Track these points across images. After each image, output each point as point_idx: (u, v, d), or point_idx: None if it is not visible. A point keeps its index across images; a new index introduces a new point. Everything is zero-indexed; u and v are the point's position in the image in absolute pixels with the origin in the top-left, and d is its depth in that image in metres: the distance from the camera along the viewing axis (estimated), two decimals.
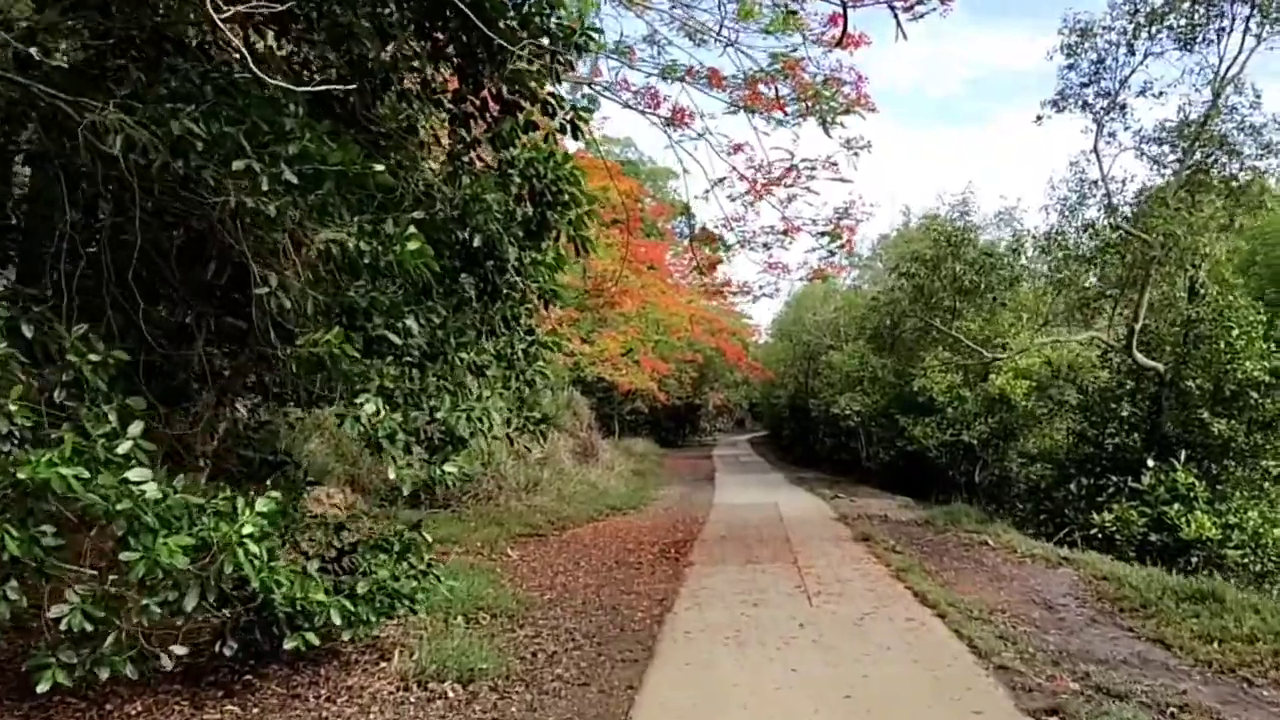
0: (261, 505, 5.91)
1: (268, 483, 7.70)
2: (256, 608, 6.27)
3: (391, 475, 6.88)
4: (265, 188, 5.67)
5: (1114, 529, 13.01)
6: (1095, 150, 14.59)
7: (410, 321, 7.09)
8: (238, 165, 5.54)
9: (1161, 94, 14.21)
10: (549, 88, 7.88)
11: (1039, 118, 15.11)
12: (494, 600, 9.79)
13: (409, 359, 7.65)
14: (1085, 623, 8.88)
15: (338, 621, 6.46)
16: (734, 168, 12.82)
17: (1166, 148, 14.19)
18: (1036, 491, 15.66)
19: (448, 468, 7.13)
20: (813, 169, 11.67)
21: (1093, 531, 13.19)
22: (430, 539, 8.26)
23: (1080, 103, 14.59)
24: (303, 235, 6.23)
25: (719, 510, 19.31)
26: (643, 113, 13.11)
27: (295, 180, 5.88)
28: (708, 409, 56.16)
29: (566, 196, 8.12)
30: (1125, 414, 14.60)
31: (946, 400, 21.78)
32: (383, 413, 6.73)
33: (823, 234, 13.29)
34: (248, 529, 5.74)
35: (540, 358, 8.26)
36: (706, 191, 12.84)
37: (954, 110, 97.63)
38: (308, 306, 6.33)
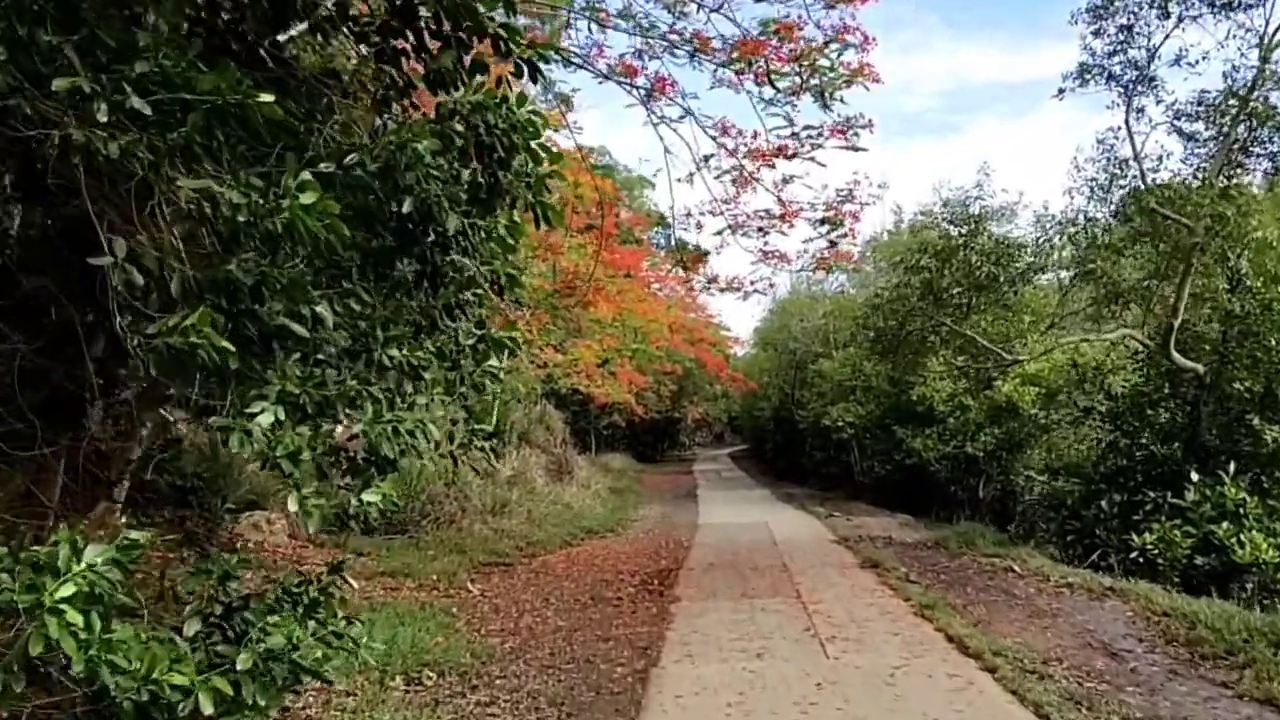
0: (94, 554, 4.16)
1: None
2: (93, 695, 4.55)
3: (292, 507, 5.12)
4: (103, 118, 3.94)
5: (1155, 551, 11.47)
6: (1126, 124, 13.16)
7: (323, 309, 5.41)
8: (60, 84, 3.81)
9: (1197, 62, 12.77)
10: (500, 14, 6.26)
11: (1060, 91, 13.71)
12: (444, 653, 8.08)
13: (322, 357, 5.89)
14: (1164, 675, 7.27)
15: (209, 710, 4.73)
16: (722, 146, 11.25)
17: (1201, 124, 12.79)
18: (1060, 509, 14.14)
19: (368, 496, 5.39)
20: (817, 137, 10.07)
21: (1132, 555, 11.64)
22: (354, 585, 6.51)
23: (1105, 75, 13.16)
24: (163, 186, 4.54)
25: (705, 532, 17.64)
26: (619, 83, 11.50)
27: (148, 111, 4.15)
28: (687, 423, 54.51)
29: (523, 154, 6.47)
30: (1162, 420, 13.08)
31: (948, 410, 20.28)
32: (285, 425, 5.02)
33: (822, 221, 11.72)
34: (66, 590, 3.98)
35: (491, 357, 6.57)
36: (691, 174, 11.17)
37: (928, 123, 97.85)
38: (172, 284, 4.63)
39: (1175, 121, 13.07)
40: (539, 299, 16.79)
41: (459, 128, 6.07)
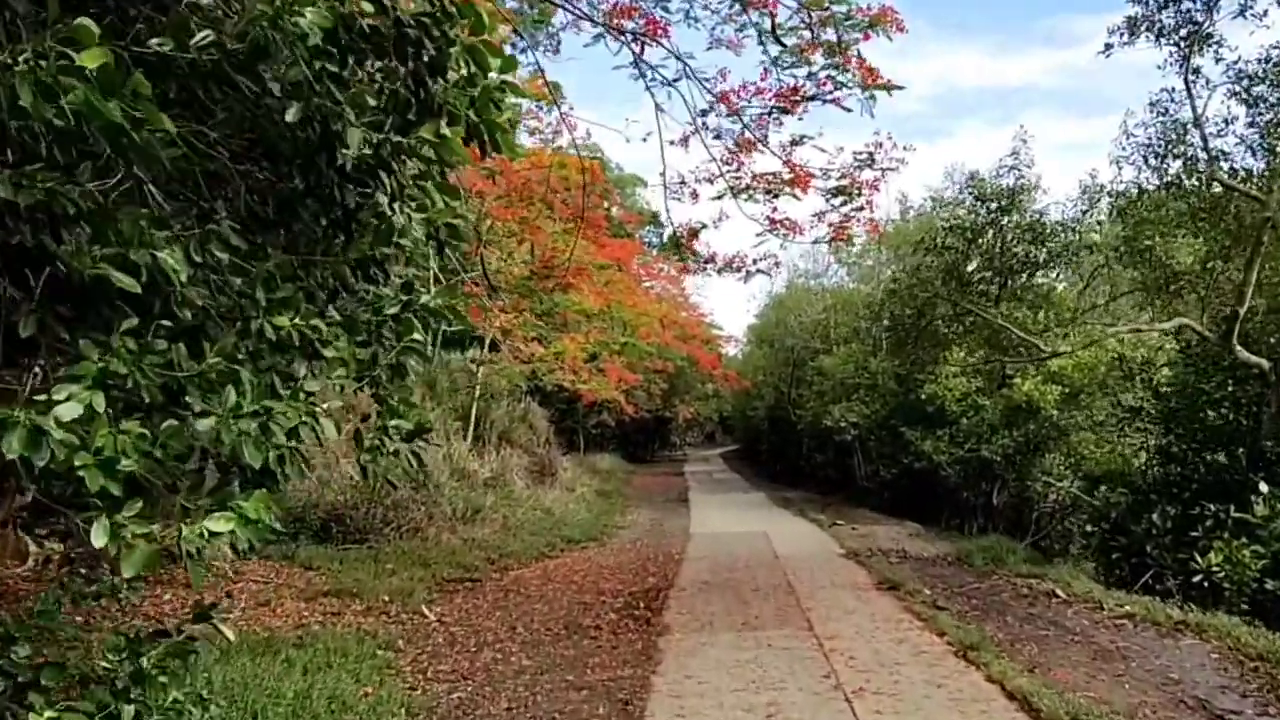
0: None
1: None
2: None
3: (98, 541, 3.48)
4: None
5: (1221, 574, 9.88)
6: (1186, 83, 11.49)
7: (170, 257, 3.81)
8: None
9: (1266, 13, 11.12)
10: None
11: (1108, 46, 12.06)
12: (370, 710, 6.41)
13: (170, 324, 4.20)
14: None
15: None
16: (722, 100, 9.60)
17: (1267, 85, 11.13)
18: (1101, 522, 12.55)
19: (214, 525, 3.68)
20: (836, 71, 8.45)
21: (1194, 578, 10.05)
22: (230, 634, 4.83)
23: (1156, 30, 11.52)
24: None
25: (698, 542, 15.99)
26: (607, 31, 9.85)
27: None
28: (678, 422, 52.89)
29: (464, 57, 4.83)
30: (1221, 423, 11.46)
31: (960, 410, 18.66)
32: (99, 419, 3.42)
33: (835, 191, 10.08)
34: None
35: (415, 330, 4.87)
36: (686, 136, 9.54)
37: (918, 127, 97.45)
38: None
39: (1237, 84, 11.45)
40: (515, 284, 15.13)
41: (367, 6, 4.39)
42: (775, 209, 9.64)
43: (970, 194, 13.38)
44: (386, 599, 10.35)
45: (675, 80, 9.85)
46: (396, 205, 5.14)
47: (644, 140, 9.72)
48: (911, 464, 19.72)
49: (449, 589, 11.56)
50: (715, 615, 9.67)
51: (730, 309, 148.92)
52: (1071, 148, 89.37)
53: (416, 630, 9.42)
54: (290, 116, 4.15)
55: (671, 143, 10.04)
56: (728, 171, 9.51)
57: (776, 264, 10.70)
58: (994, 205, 12.76)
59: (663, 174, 10.26)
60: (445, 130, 4.44)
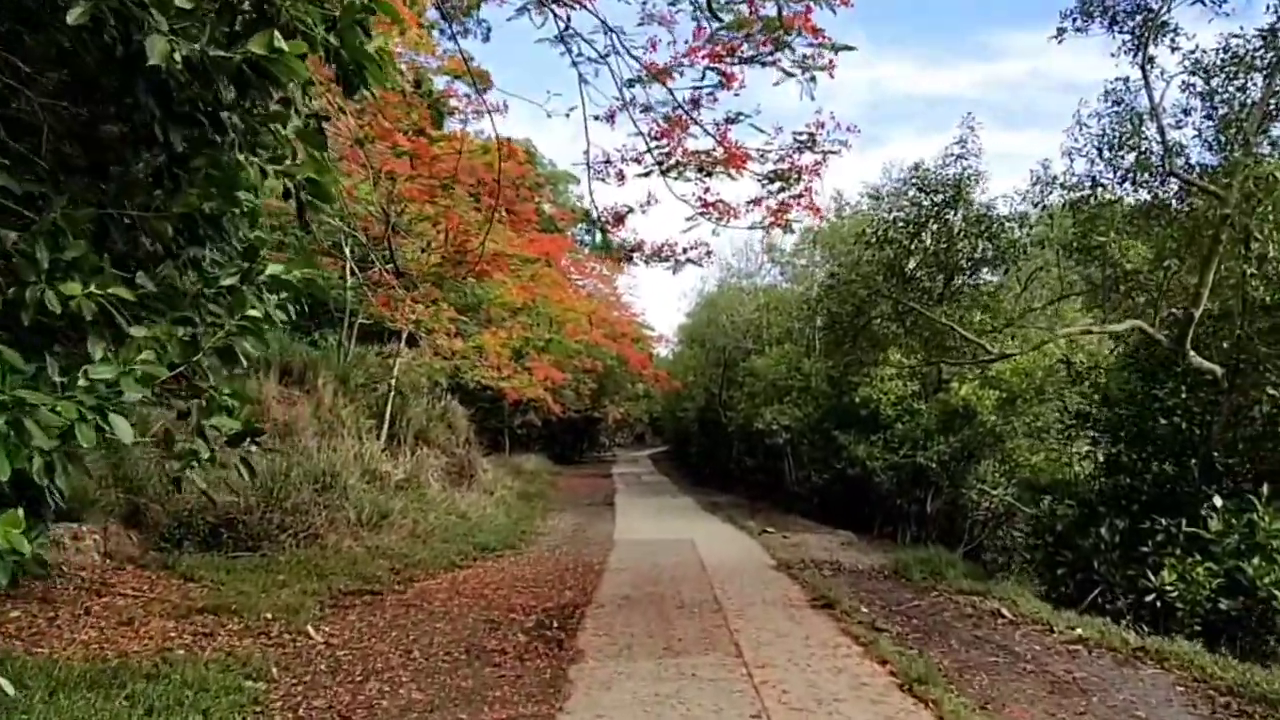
0: None
1: None
2: None
3: None
4: None
5: (1174, 593, 9.27)
6: (1143, 71, 10.83)
7: None
8: None
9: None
10: None
11: (1060, 32, 11.41)
12: None
13: None
14: None
15: None
16: (649, 68, 8.67)
17: (1223, 77, 10.58)
18: (1045, 535, 11.90)
19: None
20: (779, 33, 7.57)
21: (1147, 597, 9.42)
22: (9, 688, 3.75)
23: (1110, 16, 10.91)
24: None
25: (621, 551, 15.05)
26: None
27: None
28: (607, 423, 51.99)
29: None
30: (1170, 432, 10.86)
31: (895, 414, 18.04)
32: None
33: (773, 176, 9.22)
34: None
35: (249, 304, 3.80)
36: (612, 112, 8.59)
37: (853, 137, 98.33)
38: None
39: (1193, 75, 10.90)
40: (427, 271, 13.99)
41: None
42: (708, 189, 8.75)
43: (914, 185, 12.68)
44: (269, 616, 9.19)
45: (605, 56, 8.92)
46: (243, 155, 4.13)
47: (567, 116, 8.70)
48: (844, 469, 19.06)
49: (344, 604, 10.44)
50: (635, 637, 8.73)
51: (662, 309, 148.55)
52: (1003, 158, 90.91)
53: (298, 654, 8.31)
54: (74, 18, 3.13)
55: (596, 118, 9.09)
56: (656, 148, 8.59)
57: (708, 253, 9.80)
58: (939, 197, 12.05)
59: (586, 153, 9.29)
60: (281, 43, 3.42)
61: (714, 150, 8.58)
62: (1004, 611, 9.58)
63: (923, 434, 17.81)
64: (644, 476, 36.82)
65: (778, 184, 9.32)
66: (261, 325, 3.70)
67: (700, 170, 8.51)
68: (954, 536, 18.74)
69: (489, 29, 35.92)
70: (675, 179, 8.59)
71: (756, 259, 31.11)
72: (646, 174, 8.76)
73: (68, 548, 10.77)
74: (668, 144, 8.50)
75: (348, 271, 19.04)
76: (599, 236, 10.70)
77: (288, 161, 4.27)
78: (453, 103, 15.34)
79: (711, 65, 7.81)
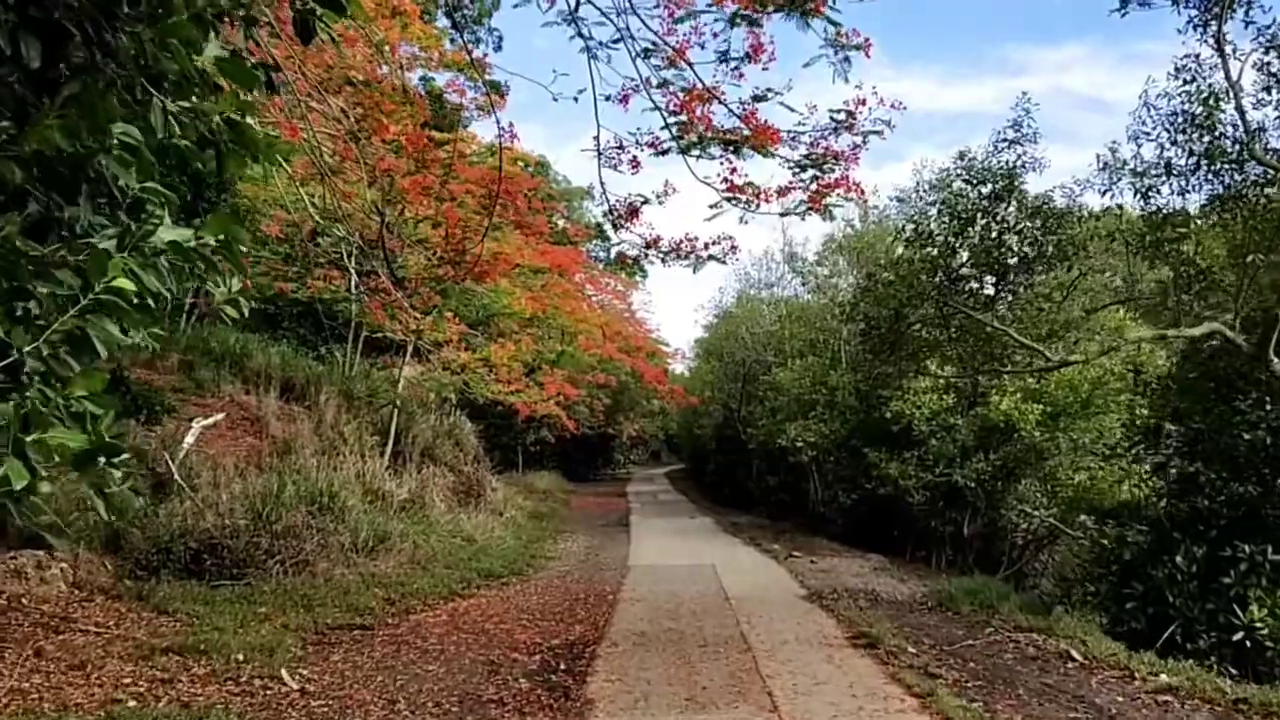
0: None
1: None
2: None
3: None
4: None
5: (1264, 630, 8.12)
6: (1218, 44, 9.69)
7: None
8: None
9: None
10: None
11: (1123, 4, 10.28)
12: None
13: None
14: None
15: None
16: (664, 38, 7.64)
17: None
18: (1112, 564, 10.66)
19: None
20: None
21: (1234, 635, 8.26)
22: None
23: None
24: None
25: (637, 577, 13.93)
26: None
27: None
28: (622, 440, 50.89)
29: None
30: (1249, 448, 9.60)
31: (929, 430, 16.89)
32: None
33: (804, 163, 8.15)
34: None
35: (121, 274, 2.76)
36: (624, 93, 7.55)
37: (869, 150, 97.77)
38: None
39: (1266, 53, 9.74)
40: (420, 272, 12.96)
41: None
42: (734, 170, 7.67)
43: (959, 176, 11.53)
44: (240, 658, 8.13)
45: (615, 41, 7.91)
46: (133, 83, 3.11)
47: (575, 100, 7.67)
48: (874, 489, 17.88)
49: (329, 640, 9.39)
50: (653, 684, 7.61)
51: (677, 326, 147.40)
52: None
53: (266, 704, 7.25)
54: None
55: (608, 98, 8.06)
56: (675, 122, 7.53)
57: (733, 248, 8.69)
58: (988, 189, 10.90)
59: (596, 137, 8.24)
60: None
61: (740, 129, 7.53)
62: (1073, 653, 8.41)
63: (959, 451, 16.66)
64: (660, 495, 35.66)
65: (810, 171, 8.25)
66: (132, 302, 2.64)
67: (726, 145, 7.45)
68: (992, 560, 17.57)
69: (500, 38, 35.05)
70: (697, 157, 7.54)
71: (777, 269, 30.02)
72: (664, 152, 7.69)
73: (30, 578, 9.80)
74: (687, 117, 7.45)
75: (352, 284, 18.14)
76: (612, 236, 9.43)
77: (203, 98, 3.27)
78: (455, 98, 14.33)
79: (743, 11, 6.75)
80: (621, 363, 31.63)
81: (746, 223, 8.16)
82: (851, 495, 19.58)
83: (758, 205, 7.80)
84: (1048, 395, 15.63)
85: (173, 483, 12.67)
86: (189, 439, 13.87)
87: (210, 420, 15.04)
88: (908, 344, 12.03)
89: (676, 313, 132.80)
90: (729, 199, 7.75)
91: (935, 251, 11.27)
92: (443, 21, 15.72)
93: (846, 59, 7.77)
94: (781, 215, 7.89)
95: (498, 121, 9.78)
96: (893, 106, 7.78)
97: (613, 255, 58.71)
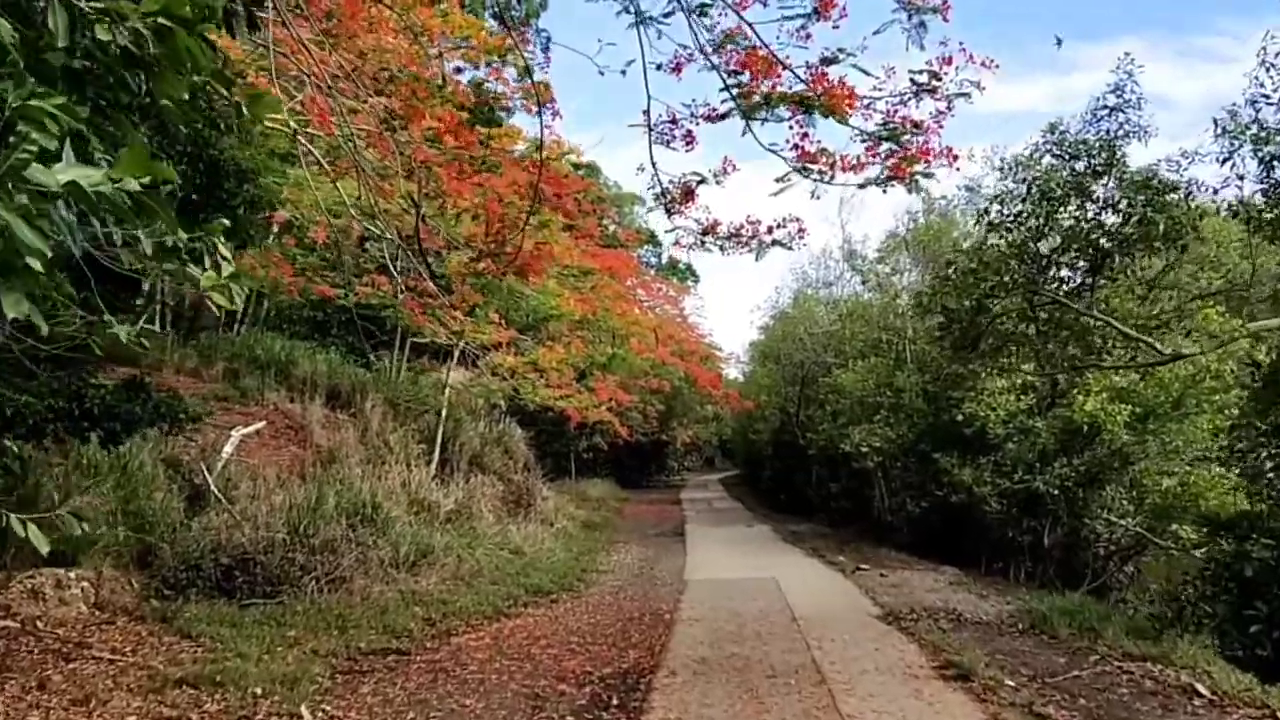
0: None
1: None
2: None
3: None
4: None
5: None
6: None
7: None
8: None
9: None
10: None
11: None
12: None
13: None
14: None
15: None
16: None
17: None
18: (1229, 581, 9.55)
19: None
20: None
21: None
22: None
23: None
24: None
25: (695, 593, 13.03)
26: None
27: None
28: (676, 446, 50.01)
29: None
30: None
31: (1005, 433, 15.75)
32: None
33: (880, 135, 7.22)
34: None
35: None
36: (678, 64, 6.69)
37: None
38: None
39: None
40: (461, 270, 12.18)
41: None
42: (806, 135, 6.76)
43: (1048, 151, 10.41)
44: (259, 691, 7.41)
45: (668, 14, 7.08)
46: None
47: (623, 73, 6.83)
48: (946, 496, 16.76)
49: (361, 668, 8.66)
50: None
51: (730, 330, 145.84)
52: None
53: None
54: None
55: (659, 67, 7.22)
56: (735, 85, 6.65)
57: (800, 231, 7.80)
58: (1083, 164, 9.81)
59: (646, 111, 7.41)
60: None
61: (808, 95, 6.63)
62: (1199, 688, 7.34)
63: (1037, 456, 15.50)
64: (715, 502, 34.67)
65: (886, 145, 7.31)
66: None
67: (799, 105, 6.55)
68: (1073, 573, 16.37)
69: (548, 39, 34.61)
70: (763, 120, 6.65)
71: (836, 267, 28.91)
72: (723, 116, 6.83)
73: (49, 598, 9.23)
74: (749, 75, 6.57)
75: (397, 289, 17.56)
76: (665, 223, 8.51)
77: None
78: (496, 86, 13.58)
79: None
80: (675, 367, 30.80)
81: (819, 197, 7.18)
82: (920, 503, 18.44)
83: (832, 176, 6.89)
84: (1136, 395, 14.42)
85: (209, 494, 12.13)
86: (227, 448, 13.33)
87: (251, 429, 14.51)
88: (990, 338, 10.97)
89: (729, 318, 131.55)
90: (799, 169, 6.84)
91: (1021, 236, 10.21)
92: (490, 24, 15.03)
93: (922, 24, 6.86)
94: (860, 187, 6.97)
95: (539, 101, 8.90)
96: (983, 65, 6.81)
97: (664, 255, 58.15)
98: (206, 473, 12.53)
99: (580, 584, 13.92)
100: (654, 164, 7.74)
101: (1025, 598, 12.10)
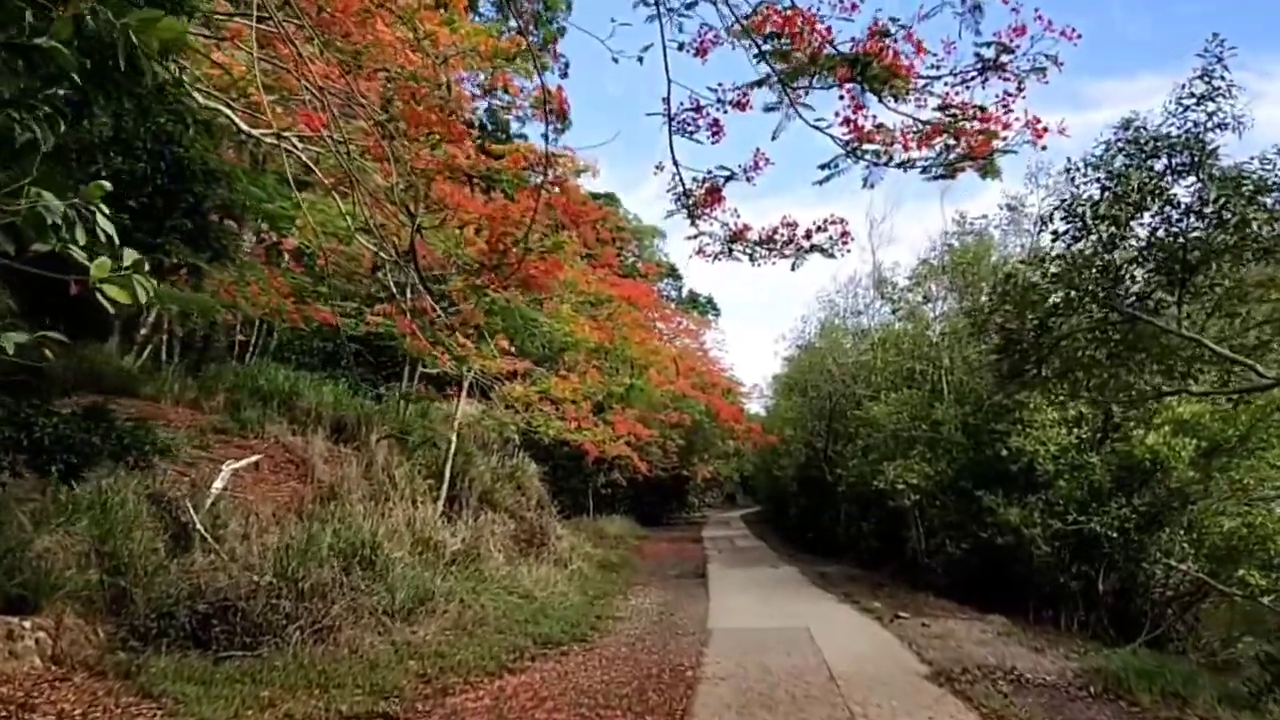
0: None
1: None
2: None
3: None
4: None
5: None
6: None
7: None
8: None
9: None
10: None
11: None
12: None
13: None
14: None
15: None
16: None
17: None
18: None
19: None
20: None
21: None
22: None
23: None
24: None
25: (719, 645, 11.85)
26: None
27: None
28: (696, 482, 48.81)
29: None
30: None
31: (1055, 469, 14.54)
32: None
33: (944, 120, 6.18)
34: None
35: None
36: (702, 46, 5.67)
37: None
38: None
39: None
40: (460, 286, 11.19)
41: None
42: (860, 108, 5.72)
43: (1120, 151, 9.21)
44: None
45: (690, 4, 6.12)
46: None
47: (640, 61, 5.82)
48: (991, 537, 15.48)
49: None
50: None
51: (751, 365, 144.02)
52: None
53: None
54: None
55: (680, 47, 6.24)
56: (770, 51, 5.62)
57: (844, 234, 6.75)
58: (1164, 163, 8.64)
59: (666, 99, 6.43)
60: None
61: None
62: None
63: (1089, 494, 14.27)
64: (738, 541, 33.34)
65: (941, 138, 6.26)
66: None
67: (852, 68, 5.49)
68: (1128, 621, 15.06)
69: (567, 64, 33.95)
70: (807, 88, 5.63)
71: (864, 295, 27.72)
72: (759, 84, 5.78)
73: None
74: (789, 36, 5.54)
75: (403, 306, 16.68)
76: (685, 213, 7.36)
77: None
78: (504, 98, 12.71)
79: None
80: (696, 400, 29.71)
81: (873, 185, 6.12)
82: (960, 544, 17.15)
83: (889, 158, 5.83)
84: (1202, 428, 13.22)
85: (194, 533, 11.17)
86: (217, 483, 12.37)
87: (242, 463, 13.55)
88: (1056, 361, 9.81)
89: (750, 353, 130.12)
90: (851, 151, 5.79)
91: (1091, 247, 9.09)
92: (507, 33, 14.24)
93: (977, 6, 5.85)
94: (925, 172, 5.90)
95: (544, 87, 7.93)
96: (1063, 34, 5.76)
97: (685, 289, 57.24)
98: (192, 510, 11.55)
99: (594, 633, 12.77)
100: (674, 159, 6.73)
101: (1087, 651, 10.87)
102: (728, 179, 6.77)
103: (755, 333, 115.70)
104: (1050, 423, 14.26)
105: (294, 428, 16.20)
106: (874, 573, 21.04)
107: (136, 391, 14.65)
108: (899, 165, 5.85)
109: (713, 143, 6.64)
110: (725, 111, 6.53)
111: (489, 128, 23.02)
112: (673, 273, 54.91)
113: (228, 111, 8.45)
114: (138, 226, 6.83)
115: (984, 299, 14.90)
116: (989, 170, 5.91)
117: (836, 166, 5.95)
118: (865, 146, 5.79)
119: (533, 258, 8.95)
